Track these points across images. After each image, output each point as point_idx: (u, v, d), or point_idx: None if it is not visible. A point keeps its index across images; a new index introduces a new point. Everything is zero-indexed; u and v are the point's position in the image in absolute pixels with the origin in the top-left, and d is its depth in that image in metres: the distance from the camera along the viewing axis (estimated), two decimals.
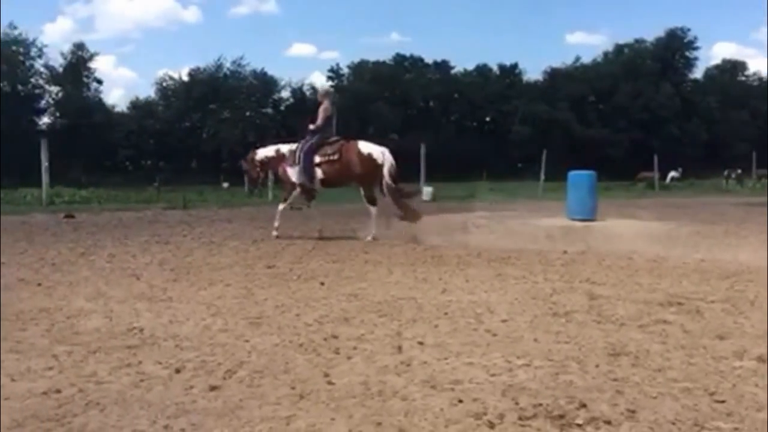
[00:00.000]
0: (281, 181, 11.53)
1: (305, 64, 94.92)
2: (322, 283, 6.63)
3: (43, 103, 56.03)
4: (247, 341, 4.41)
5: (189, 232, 12.02)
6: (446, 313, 5.25)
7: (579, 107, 65.23)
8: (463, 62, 70.84)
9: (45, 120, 55.63)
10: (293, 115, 60.14)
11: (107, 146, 52.41)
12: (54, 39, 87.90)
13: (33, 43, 54.75)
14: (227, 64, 61.05)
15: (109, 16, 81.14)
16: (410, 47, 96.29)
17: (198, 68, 60.58)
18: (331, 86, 63.96)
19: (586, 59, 70.89)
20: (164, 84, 60.15)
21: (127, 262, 8.24)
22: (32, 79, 55.24)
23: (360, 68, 65.43)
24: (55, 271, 7.51)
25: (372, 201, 10.92)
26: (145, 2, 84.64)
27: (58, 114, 55.60)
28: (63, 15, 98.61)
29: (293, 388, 3.49)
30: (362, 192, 10.99)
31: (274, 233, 10.79)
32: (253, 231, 11.84)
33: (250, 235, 11.27)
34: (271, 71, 63.33)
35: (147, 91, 64.01)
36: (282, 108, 62.43)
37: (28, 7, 78.81)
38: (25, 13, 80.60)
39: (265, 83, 61.74)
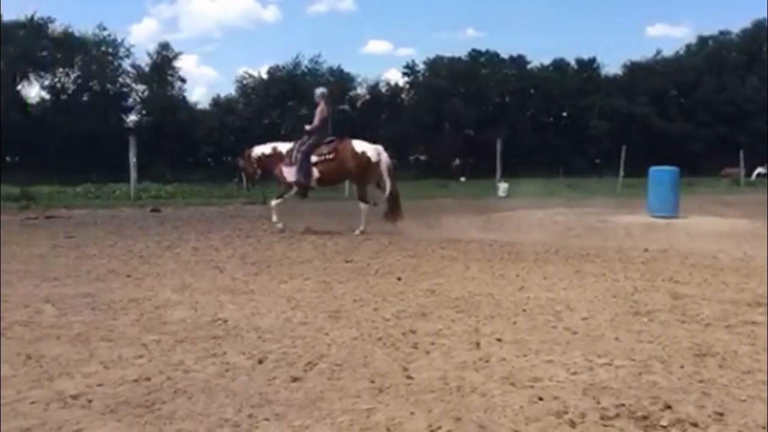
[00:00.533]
0: (277, 180, 11.87)
1: (381, 60, 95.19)
2: (400, 278, 6.67)
3: (130, 101, 58.07)
4: (326, 334, 4.48)
5: (269, 227, 12.27)
6: (524, 310, 5.20)
7: (660, 101, 63.11)
8: (539, 57, 69.66)
9: (132, 118, 57.67)
10: (369, 112, 60.50)
11: (190, 143, 53.88)
12: (140, 39, 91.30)
13: (121, 43, 56.80)
14: (305, 62, 61.92)
15: (192, 17, 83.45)
16: (486, 42, 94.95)
17: (277, 66, 61.64)
18: (406, 83, 64.09)
19: (668, 52, 68.50)
20: (244, 82, 61.43)
21: (211, 255, 8.49)
22: (120, 79, 57.24)
23: (435, 64, 65.07)
24: (143, 263, 7.81)
25: (363, 198, 11.30)
26: (227, 2, 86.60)
27: (144, 112, 57.51)
28: (149, 16, 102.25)
29: (372, 381, 3.53)
30: (355, 189, 11.49)
31: (279, 225, 11.29)
32: (330, 225, 11.99)
33: (327, 229, 11.40)
34: (348, 68, 63.80)
35: (228, 89, 65.36)
36: (358, 104, 62.78)
37: (116, 9, 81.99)
38: (113, 14, 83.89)
39: (342, 80, 62.23)
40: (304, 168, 11.14)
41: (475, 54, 66.31)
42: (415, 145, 62.69)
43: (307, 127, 11.47)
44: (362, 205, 11.23)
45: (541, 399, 3.25)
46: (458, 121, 60.79)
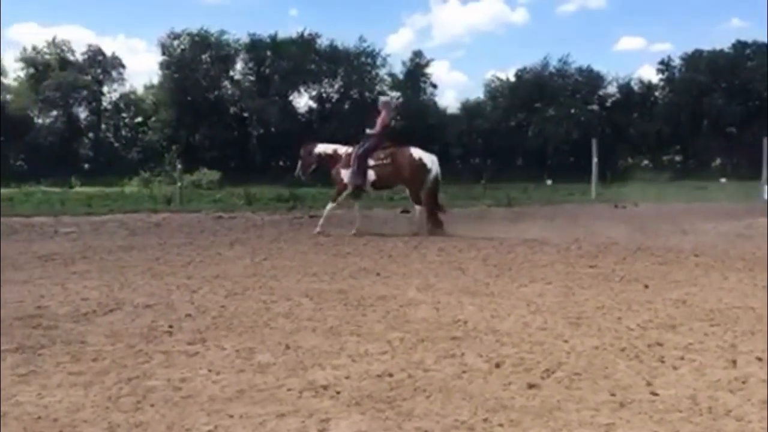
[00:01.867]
0: (333, 181, 12.45)
1: (634, 57, 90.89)
2: (647, 286, 6.33)
3: None
4: (566, 341, 4.39)
5: (512, 229, 12.26)
6: None
7: None
8: None
9: None
10: (619, 112, 57.88)
11: (440, 146, 55.61)
12: (396, 49, 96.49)
13: (378, 53, 60.51)
14: (553, 63, 61.01)
15: (444, 24, 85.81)
16: (752, 33, 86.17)
17: (524, 68, 61.47)
18: (661, 79, 60.61)
19: None
20: (492, 85, 62.04)
21: (454, 256, 8.69)
22: (377, 87, 60.80)
23: (694, 59, 60.49)
24: (392, 262, 8.19)
25: (417, 201, 11.79)
26: (476, 8, 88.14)
27: (398, 117, 60.40)
28: (404, 26, 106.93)
29: (613, 394, 3.39)
30: (408, 192, 12.01)
31: (317, 229, 11.67)
32: (574, 229, 11.68)
33: (571, 233, 11.13)
34: (598, 67, 61.86)
35: (476, 93, 66.24)
36: (608, 104, 60.44)
37: (376, 22, 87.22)
38: (373, 27, 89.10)
39: (591, 79, 60.33)
40: (361, 170, 11.71)
41: (739, 45, 60.64)
42: (670, 144, 58.88)
43: (368, 131, 12.19)
44: (417, 207, 11.82)
45: None
46: (719, 118, 56.05)
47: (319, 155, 12.53)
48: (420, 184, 11.72)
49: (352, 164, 11.83)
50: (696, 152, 56.77)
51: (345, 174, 11.96)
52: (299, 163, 12.82)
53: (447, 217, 12.09)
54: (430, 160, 11.77)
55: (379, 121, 12.18)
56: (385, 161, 11.76)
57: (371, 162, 11.83)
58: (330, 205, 12.29)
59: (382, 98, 12.93)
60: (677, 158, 59.69)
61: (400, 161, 11.72)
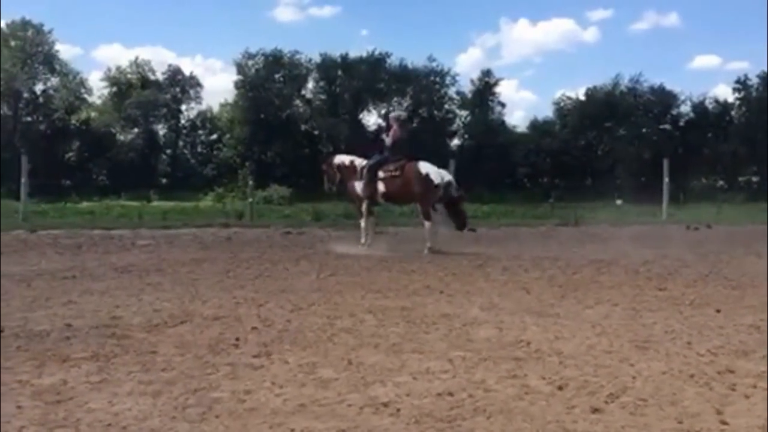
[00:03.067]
0: (349, 195, 12.83)
1: (709, 76, 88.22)
2: (719, 311, 6.13)
3: (454, 126, 61.42)
4: (632, 365, 4.29)
5: (579, 249, 12.07)
6: None
7: None
8: None
9: (455, 142, 60.84)
10: (693, 131, 56.31)
11: (508, 165, 55.27)
12: (464, 68, 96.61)
13: (447, 72, 60.76)
14: (624, 82, 59.93)
15: (514, 43, 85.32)
16: None
17: (594, 87, 60.56)
18: (737, 98, 58.89)
19: None
20: (561, 104, 61.34)
21: (519, 276, 8.61)
22: (446, 106, 61.00)
23: None
24: (456, 280, 8.17)
25: (426, 216, 11.76)
26: (547, 27, 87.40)
27: (466, 136, 60.37)
28: (473, 46, 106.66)
29: (680, 422, 3.30)
30: (418, 208, 12.02)
31: (362, 247, 11.93)
32: (644, 251, 11.40)
33: (640, 255, 10.87)
34: (670, 86, 60.28)
35: (545, 112, 65.60)
36: (681, 124, 58.90)
37: (445, 41, 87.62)
38: (442, 47, 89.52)
39: (664, 98, 58.97)
40: (370, 184, 11.99)
41: None
42: (746, 165, 56.92)
43: (384, 137, 12.61)
44: (426, 224, 11.77)
45: None
46: None
47: (338, 166, 12.88)
48: (429, 198, 11.79)
49: (363, 176, 12.11)
50: None
51: (359, 186, 12.27)
52: (324, 178, 13.20)
53: (510, 234, 11.97)
54: (438, 175, 11.82)
55: (391, 134, 12.39)
56: (394, 173, 11.93)
57: (381, 174, 12.03)
58: (363, 222, 12.55)
59: (394, 113, 13.19)
60: (754, 179, 57.64)
61: (407, 175, 11.84)
